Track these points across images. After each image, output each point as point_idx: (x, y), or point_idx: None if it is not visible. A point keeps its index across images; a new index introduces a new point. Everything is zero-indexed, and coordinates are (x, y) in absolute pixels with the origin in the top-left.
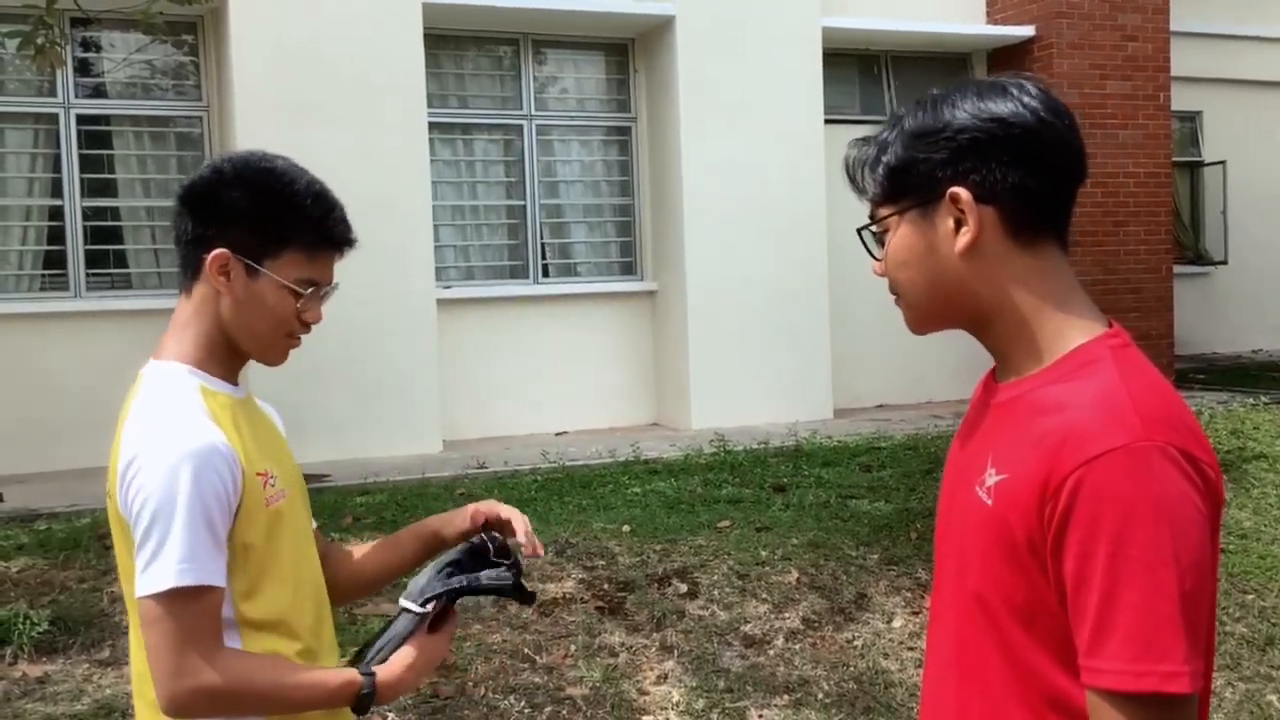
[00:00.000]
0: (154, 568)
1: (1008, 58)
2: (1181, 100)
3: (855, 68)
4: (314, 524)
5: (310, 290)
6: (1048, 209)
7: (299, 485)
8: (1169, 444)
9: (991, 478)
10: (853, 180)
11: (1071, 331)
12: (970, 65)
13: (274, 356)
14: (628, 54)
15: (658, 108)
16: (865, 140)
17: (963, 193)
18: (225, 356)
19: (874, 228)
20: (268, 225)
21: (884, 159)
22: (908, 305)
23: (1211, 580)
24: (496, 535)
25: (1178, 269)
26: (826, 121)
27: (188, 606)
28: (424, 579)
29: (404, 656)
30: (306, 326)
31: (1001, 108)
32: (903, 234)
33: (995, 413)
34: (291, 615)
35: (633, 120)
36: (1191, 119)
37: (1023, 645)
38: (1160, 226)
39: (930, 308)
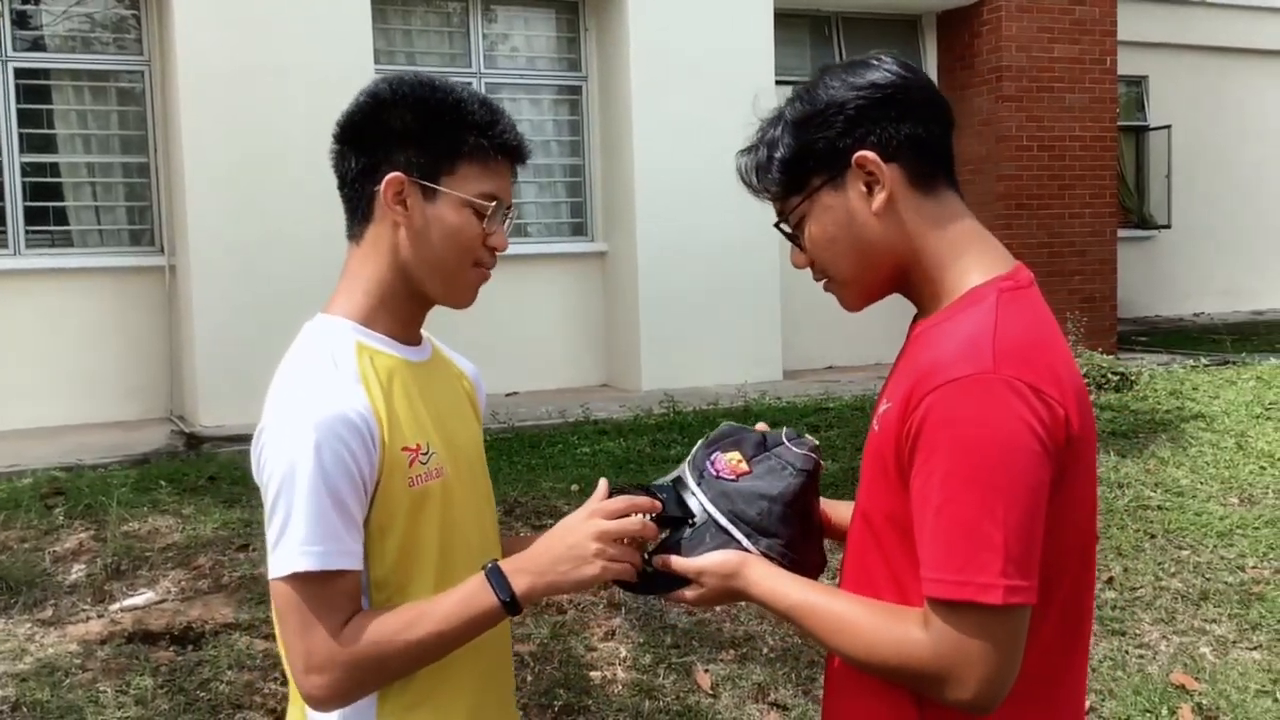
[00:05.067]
0: (280, 549)
1: (957, 20)
2: (1128, 65)
3: (806, 30)
4: (492, 510)
5: (493, 206)
6: (938, 155)
7: (469, 463)
8: (1015, 378)
9: (882, 406)
10: (751, 186)
11: (972, 274)
12: (920, 28)
13: (462, 293)
14: (578, 12)
15: (609, 67)
16: (749, 148)
17: (869, 154)
18: (400, 306)
19: (789, 220)
20: (439, 139)
21: (777, 155)
22: (841, 284)
23: (1043, 508)
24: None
25: (1122, 233)
26: (778, 83)
27: (315, 592)
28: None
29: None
30: (492, 253)
31: (872, 75)
32: (818, 215)
33: (902, 352)
34: None
35: (584, 80)
36: (1138, 83)
37: (899, 558)
38: (1105, 190)
39: (861, 277)
